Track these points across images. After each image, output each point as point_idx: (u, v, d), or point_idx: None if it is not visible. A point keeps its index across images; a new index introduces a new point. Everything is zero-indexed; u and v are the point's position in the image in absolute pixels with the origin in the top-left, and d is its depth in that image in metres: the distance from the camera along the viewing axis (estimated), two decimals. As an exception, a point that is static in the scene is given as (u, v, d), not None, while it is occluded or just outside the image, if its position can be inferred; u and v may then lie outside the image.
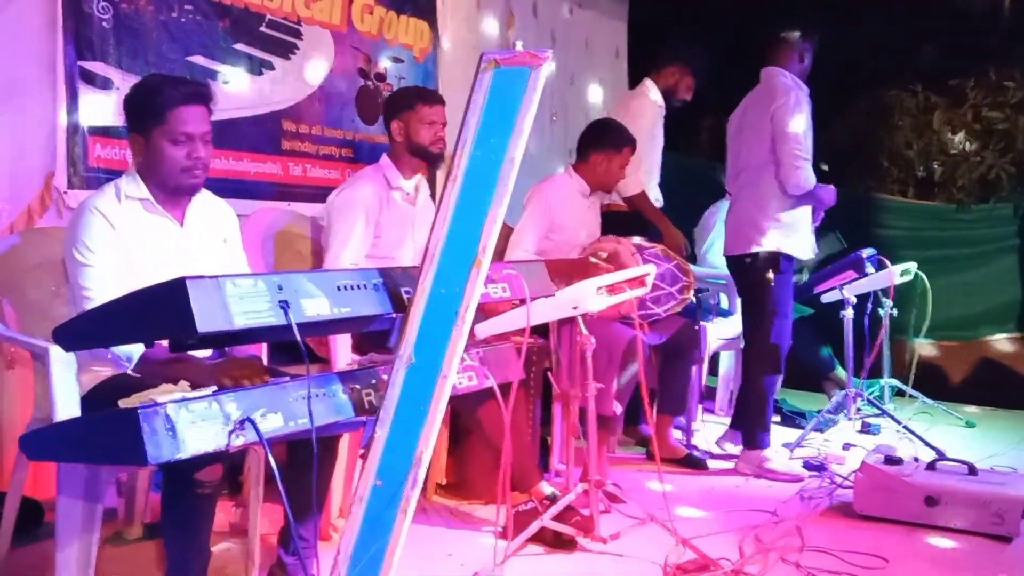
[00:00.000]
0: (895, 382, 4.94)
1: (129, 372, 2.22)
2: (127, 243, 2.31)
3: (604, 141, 3.95)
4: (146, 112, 2.31)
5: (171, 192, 2.38)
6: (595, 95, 6.00)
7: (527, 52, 1.61)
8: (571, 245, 3.89)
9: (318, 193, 3.93)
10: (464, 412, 3.01)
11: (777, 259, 3.76)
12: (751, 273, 3.84)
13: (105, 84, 3.27)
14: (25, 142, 3.12)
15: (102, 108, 3.26)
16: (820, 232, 4.10)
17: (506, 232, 3.91)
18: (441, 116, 3.28)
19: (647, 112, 4.53)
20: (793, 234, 3.79)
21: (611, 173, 3.94)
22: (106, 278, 2.24)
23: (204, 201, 2.49)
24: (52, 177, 3.16)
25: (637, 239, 3.83)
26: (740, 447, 3.89)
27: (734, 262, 3.96)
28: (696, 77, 4.64)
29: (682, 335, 3.89)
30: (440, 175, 3.86)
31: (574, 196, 3.94)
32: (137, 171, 2.38)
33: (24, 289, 2.59)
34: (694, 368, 4.07)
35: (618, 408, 3.50)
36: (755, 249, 3.78)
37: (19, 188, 3.11)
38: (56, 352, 2.17)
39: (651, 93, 4.58)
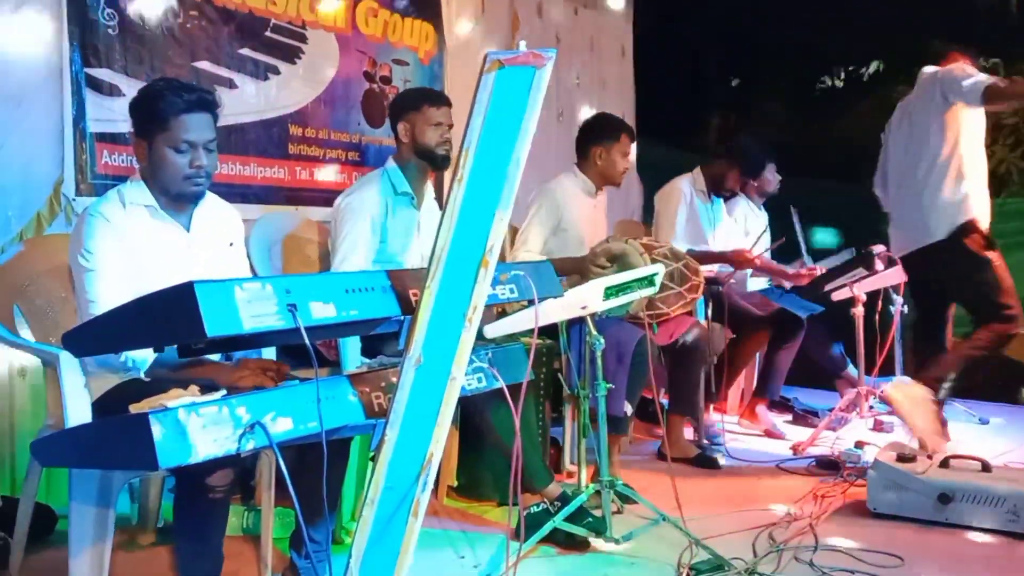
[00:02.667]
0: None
1: (141, 376, 2.22)
2: (133, 249, 2.30)
3: (600, 132, 3.92)
4: (149, 118, 2.30)
5: (174, 198, 2.37)
6: (601, 94, 5.99)
7: (531, 52, 1.60)
8: (577, 244, 3.87)
9: (325, 196, 3.93)
10: (474, 413, 3.01)
11: None
12: None
13: (112, 90, 3.28)
14: (33, 150, 3.13)
15: (109, 115, 3.26)
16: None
17: (511, 233, 3.91)
18: (447, 118, 3.26)
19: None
20: None
21: (613, 164, 3.90)
22: (109, 284, 2.23)
23: (210, 205, 2.48)
24: (61, 184, 3.17)
25: (646, 238, 3.82)
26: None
27: None
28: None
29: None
30: (446, 177, 3.85)
31: (580, 195, 3.92)
32: (141, 177, 2.38)
33: (34, 296, 2.60)
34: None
35: (629, 408, 3.49)
36: None
37: (28, 196, 3.12)
38: (66, 358, 2.18)
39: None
